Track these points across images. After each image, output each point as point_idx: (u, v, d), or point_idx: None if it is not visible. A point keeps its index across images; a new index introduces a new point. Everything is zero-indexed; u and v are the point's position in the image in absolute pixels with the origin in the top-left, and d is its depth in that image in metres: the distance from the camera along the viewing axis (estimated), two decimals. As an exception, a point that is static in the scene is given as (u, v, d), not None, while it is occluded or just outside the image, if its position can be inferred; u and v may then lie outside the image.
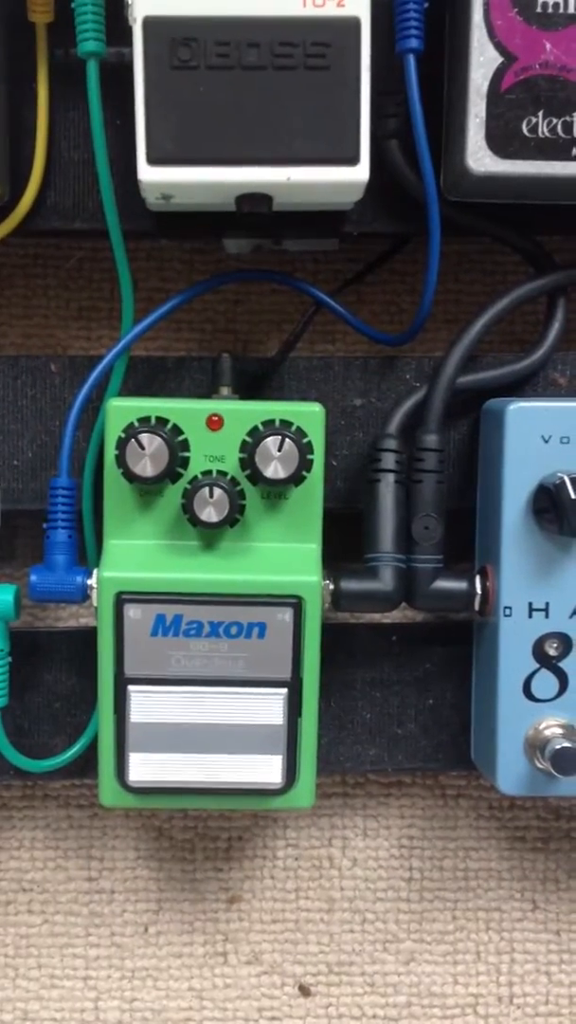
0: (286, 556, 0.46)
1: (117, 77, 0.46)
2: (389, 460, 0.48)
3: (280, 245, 0.51)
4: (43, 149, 0.49)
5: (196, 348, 0.55)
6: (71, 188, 0.50)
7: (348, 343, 0.55)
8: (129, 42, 0.43)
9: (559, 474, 0.45)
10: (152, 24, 0.42)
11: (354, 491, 0.51)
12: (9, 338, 0.55)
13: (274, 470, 0.44)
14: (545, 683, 0.48)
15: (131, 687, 0.45)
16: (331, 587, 0.47)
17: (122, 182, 0.47)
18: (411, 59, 0.45)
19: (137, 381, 0.51)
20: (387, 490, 0.48)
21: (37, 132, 0.48)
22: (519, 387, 0.51)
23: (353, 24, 0.42)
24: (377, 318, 0.55)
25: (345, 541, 0.51)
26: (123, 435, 0.44)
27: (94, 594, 0.46)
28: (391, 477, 0.48)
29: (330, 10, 0.42)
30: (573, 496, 0.44)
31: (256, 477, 0.45)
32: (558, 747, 0.47)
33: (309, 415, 0.46)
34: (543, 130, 0.45)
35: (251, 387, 0.52)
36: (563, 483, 0.44)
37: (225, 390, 0.49)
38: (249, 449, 0.45)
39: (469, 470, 0.52)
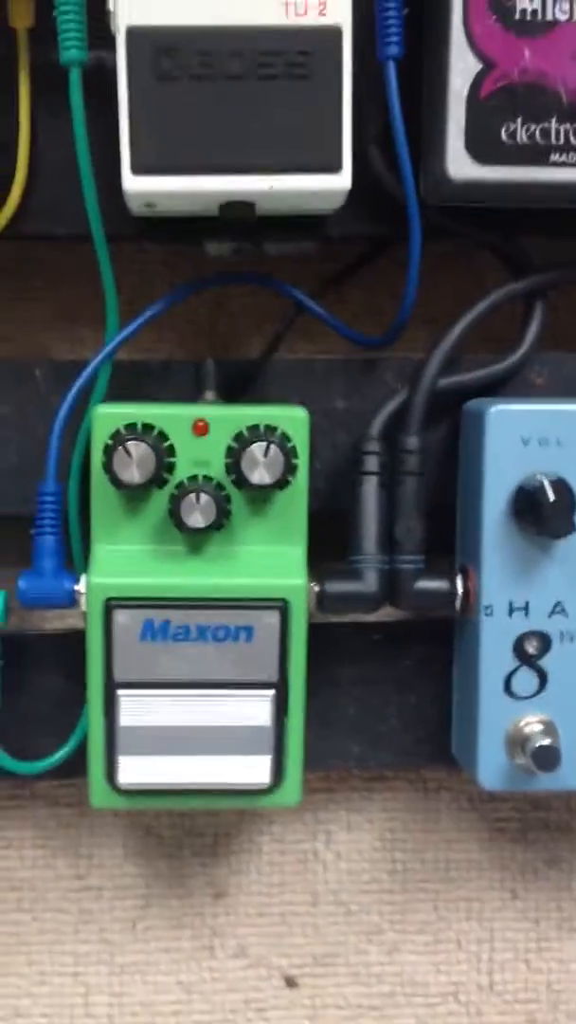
0: (272, 559, 0.47)
1: (99, 80, 0.46)
2: (371, 463, 0.49)
3: (261, 248, 0.51)
4: (26, 153, 0.49)
5: (178, 350, 0.56)
6: (55, 192, 0.50)
7: (330, 344, 0.56)
8: (111, 47, 0.44)
9: (538, 476, 0.46)
10: (135, 34, 0.42)
11: (338, 492, 0.52)
12: (-9, 340, 0.55)
13: (260, 476, 0.45)
14: (525, 680, 0.49)
15: (120, 691, 0.45)
16: (316, 589, 0.48)
17: (105, 186, 0.47)
18: (391, 66, 0.45)
19: (121, 385, 0.51)
20: (370, 492, 0.49)
21: (20, 137, 0.49)
22: (499, 388, 0.52)
23: (335, 33, 0.42)
24: (359, 319, 0.56)
25: (330, 541, 0.51)
26: (110, 442, 0.45)
27: (83, 599, 0.46)
28: (374, 479, 0.49)
29: (312, 19, 0.42)
30: (551, 498, 0.45)
31: (242, 482, 0.45)
32: (538, 744, 0.48)
33: (294, 420, 0.47)
34: (522, 136, 0.45)
35: (235, 390, 0.52)
36: (542, 486, 0.45)
37: (210, 394, 0.49)
38: (235, 454, 0.45)
39: (451, 468, 0.52)
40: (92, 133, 0.47)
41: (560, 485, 0.45)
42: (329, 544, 0.51)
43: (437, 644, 0.53)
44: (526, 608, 0.48)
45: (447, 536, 0.52)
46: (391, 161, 0.47)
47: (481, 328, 0.55)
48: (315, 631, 0.51)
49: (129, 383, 0.52)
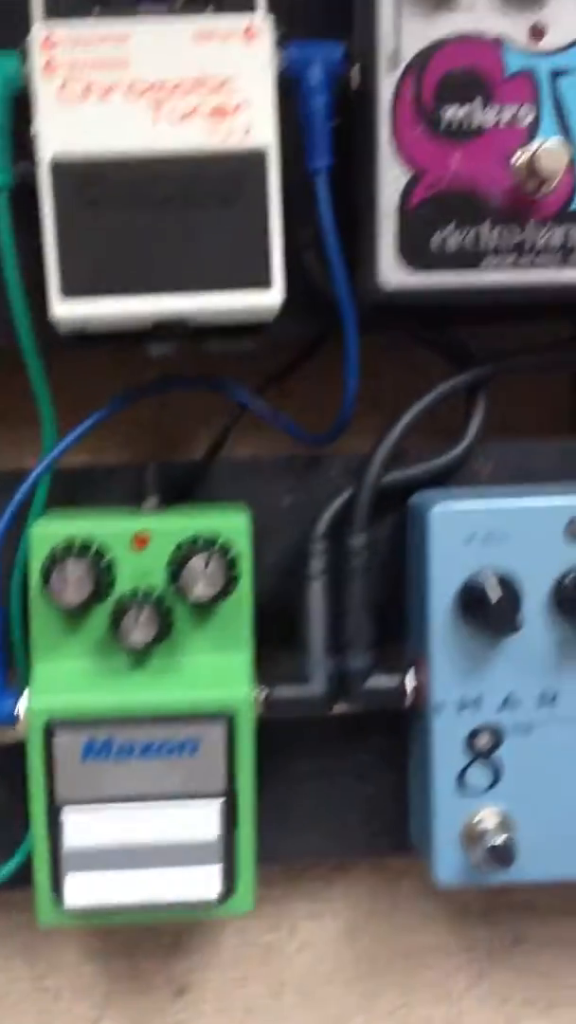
0: (217, 668, 0.46)
1: (27, 192, 0.46)
2: (317, 563, 0.49)
3: (201, 347, 0.51)
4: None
5: (123, 450, 0.55)
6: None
7: (276, 436, 0.55)
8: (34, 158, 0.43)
9: (483, 574, 0.46)
10: (60, 164, 0.42)
11: (287, 588, 0.52)
12: None
13: (201, 589, 0.44)
14: (479, 775, 0.49)
15: (64, 812, 0.45)
16: (264, 694, 0.47)
17: (39, 294, 0.47)
18: (321, 178, 0.45)
19: (63, 491, 0.51)
20: (317, 592, 0.49)
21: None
22: (444, 479, 0.52)
23: (259, 156, 0.42)
24: (304, 412, 0.55)
25: (280, 637, 0.51)
26: (47, 563, 0.44)
27: (22, 720, 0.46)
28: (320, 580, 0.48)
29: (236, 142, 0.42)
30: (495, 598, 0.45)
31: (183, 595, 0.45)
32: (492, 843, 0.48)
33: (234, 527, 0.46)
34: (454, 242, 0.45)
35: (179, 491, 0.52)
36: (485, 585, 0.45)
37: (152, 500, 0.49)
38: (175, 568, 0.45)
39: (401, 558, 0.52)
40: (24, 242, 0.46)
41: (504, 584, 0.45)
42: (279, 641, 0.51)
43: (394, 734, 0.53)
44: (477, 702, 0.48)
45: (398, 626, 0.52)
46: (327, 264, 0.47)
47: (425, 418, 0.55)
48: (269, 726, 0.50)
49: (70, 489, 0.52)
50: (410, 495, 0.51)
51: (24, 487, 0.48)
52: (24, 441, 0.54)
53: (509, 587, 0.46)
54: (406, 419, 0.50)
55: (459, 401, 0.55)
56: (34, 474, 0.48)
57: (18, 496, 0.48)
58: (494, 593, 0.44)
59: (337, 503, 0.50)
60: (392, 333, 0.52)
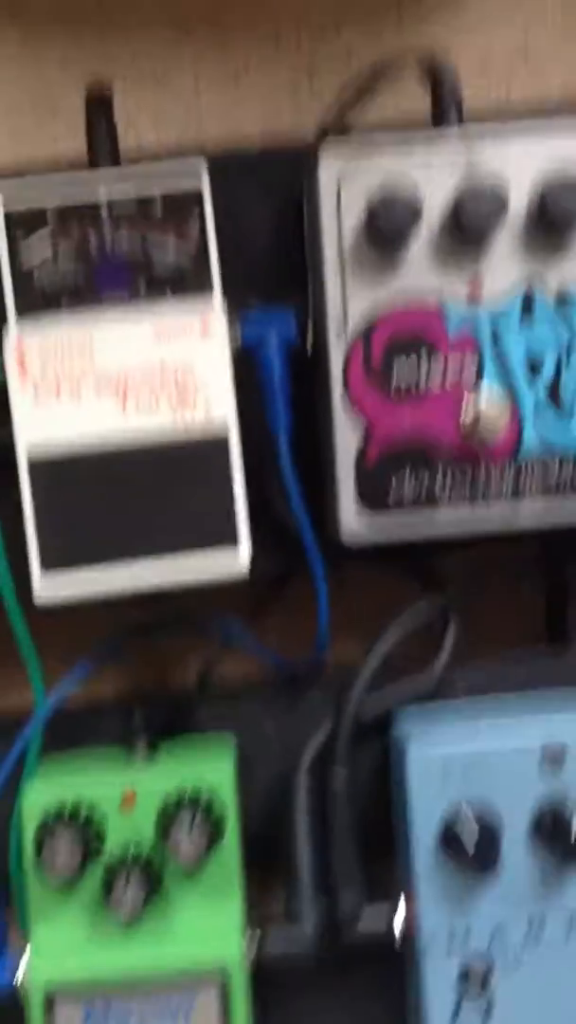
0: (208, 924, 0.47)
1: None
2: (302, 800, 0.50)
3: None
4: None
5: (111, 684, 0.57)
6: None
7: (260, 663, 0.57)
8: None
9: (461, 814, 0.47)
10: (36, 456, 0.45)
11: (272, 817, 0.52)
12: None
13: (187, 851, 0.46)
14: (471, 1013, 0.49)
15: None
16: (255, 942, 0.48)
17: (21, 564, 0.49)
18: (282, 440, 0.48)
19: (54, 732, 0.52)
20: (303, 828, 0.50)
21: None
22: (422, 699, 0.53)
23: (221, 433, 0.46)
24: (284, 637, 0.57)
25: (269, 865, 0.52)
26: (38, 833, 0.46)
27: (22, 985, 0.46)
28: (305, 818, 0.50)
29: (199, 424, 0.45)
30: (474, 838, 0.46)
31: (171, 858, 0.46)
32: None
33: (219, 777, 0.48)
34: (410, 487, 0.48)
35: (168, 723, 0.53)
36: (464, 825, 0.46)
37: (140, 748, 0.50)
38: (162, 830, 0.46)
39: (387, 778, 0.53)
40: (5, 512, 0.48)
41: (482, 823, 0.46)
42: (268, 869, 0.52)
43: (389, 966, 0.53)
44: (466, 936, 0.48)
45: (390, 845, 0.53)
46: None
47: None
48: (265, 964, 0.50)
49: (62, 730, 0.53)
50: (391, 716, 0.52)
51: (16, 749, 0.49)
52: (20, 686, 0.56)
53: (487, 826, 0.47)
54: (381, 649, 0.51)
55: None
56: (25, 734, 0.50)
57: (13, 754, 0.49)
58: (471, 836, 0.45)
59: (319, 736, 0.51)
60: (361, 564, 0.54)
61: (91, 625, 0.55)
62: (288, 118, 0.55)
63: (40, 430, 0.45)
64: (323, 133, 0.51)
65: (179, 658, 0.58)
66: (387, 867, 0.52)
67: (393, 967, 0.52)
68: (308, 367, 0.49)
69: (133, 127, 0.54)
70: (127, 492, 0.46)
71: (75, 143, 0.50)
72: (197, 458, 0.46)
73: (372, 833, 0.51)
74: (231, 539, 0.46)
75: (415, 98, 0.51)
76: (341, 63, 0.55)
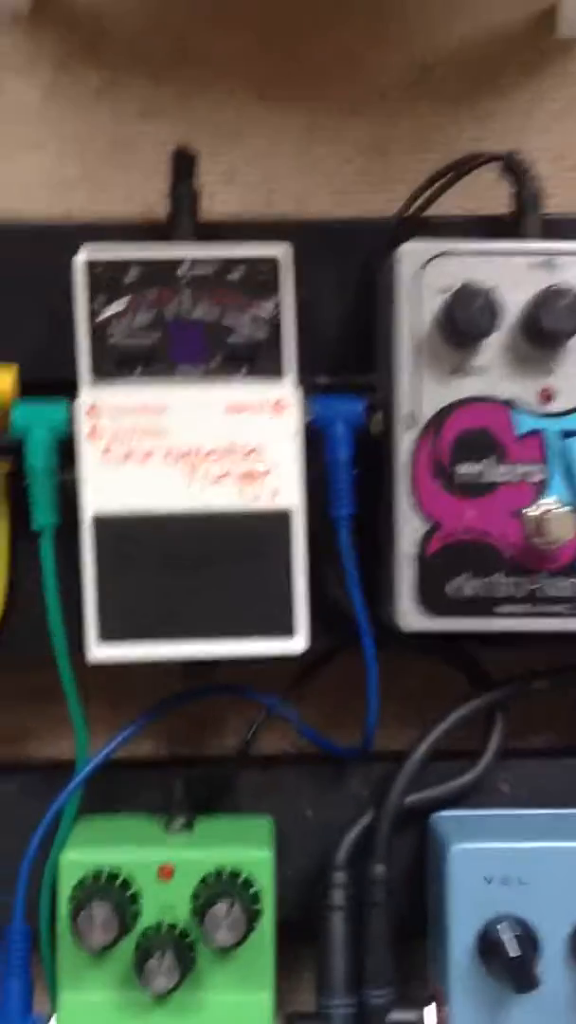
0: (238, 1011, 0.47)
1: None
2: (338, 896, 0.49)
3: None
4: (3, 586, 0.52)
5: (151, 742, 0.57)
6: (29, 619, 0.51)
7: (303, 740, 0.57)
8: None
9: (502, 927, 0.46)
10: (100, 521, 0.46)
11: (307, 900, 0.52)
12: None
13: (223, 936, 0.45)
14: None
15: None
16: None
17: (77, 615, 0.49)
18: (343, 524, 0.48)
19: (93, 789, 0.52)
20: (337, 927, 0.49)
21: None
22: (464, 798, 0.53)
23: (285, 515, 0.46)
24: (324, 711, 0.57)
25: (300, 954, 0.52)
26: (73, 901, 0.46)
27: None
28: (340, 914, 0.49)
29: (265, 503, 0.46)
30: (513, 955, 0.45)
31: (206, 940, 0.46)
32: None
33: (257, 863, 0.48)
34: (469, 589, 0.48)
35: (207, 797, 0.53)
36: (504, 940, 0.45)
37: (179, 820, 0.50)
38: (199, 909, 0.46)
39: (421, 875, 0.52)
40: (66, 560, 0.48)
41: (523, 938, 0.45)
42: (304, 959, 0.52)
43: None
44: (497, 1048, 0.48)
45: (423, 960, 0.52)
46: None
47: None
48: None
49: (98, 783, 0.53)
50: (430, 811, 0.52)
51: (55, 806, 0.49)
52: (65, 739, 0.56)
53: (527, 943, 0.46)
54: (424, 746, 0.51)
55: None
56: (66, 792, 0.50)
57: (46, 819, 0.49)
58: (511, 951, 0.45)
59: (356, 830, 0.51)
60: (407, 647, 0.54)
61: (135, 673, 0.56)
62: (357, 190, 0.56)
63: (107, 494, 0.46)
64: (402, 222, 0.52)
65: (218, 719, 0.58)
66: (414, 948, 0.52)
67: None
68: (371, 452, 0.50)
69: (206, 181, 0.53)
70: (187, 566, 0.46)
71: (148, 195, 0.52)
72: (260, 538, 0.46)
73: (403, 918, 0.51)
74: (288, 628, 0.46)
75: (490, 186, 0.52)
76: (417, 142, 0.56)
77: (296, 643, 0.46)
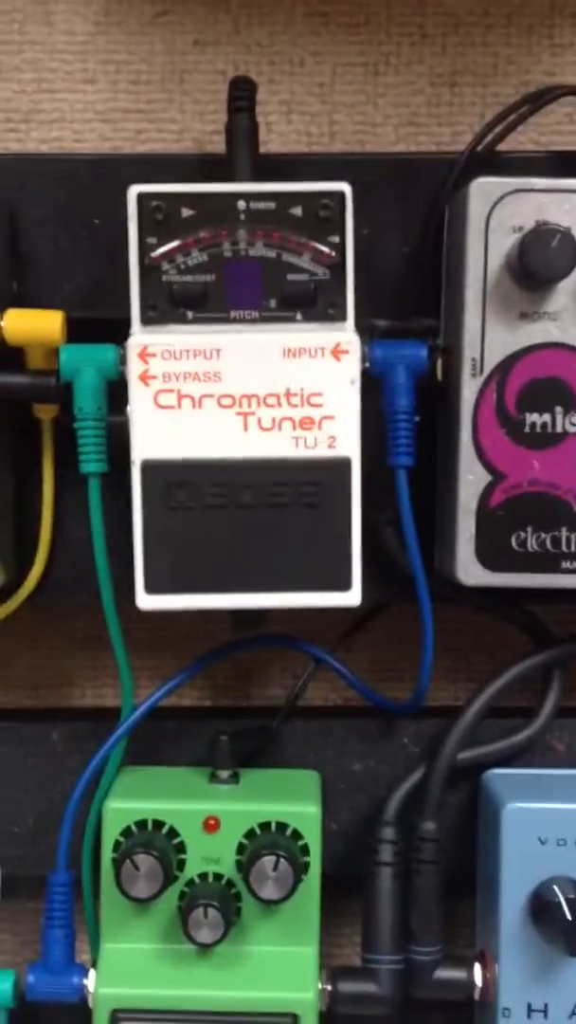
0: (282, 964, 0.46)
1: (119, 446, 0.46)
2: (387, 852, 0.48)
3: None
4: (48, 534, 0.51)
5: (198, 692, 0.56)
6: (74, 566, 0.51)
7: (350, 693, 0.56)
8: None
9: (557, 886, 0.45)
10: (149, 468, 0.44)
11: (353, 855, 0.51)
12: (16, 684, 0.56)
13: (269, 891, 0.44)
14: None
15: None
16: (328, 994, 0.47)
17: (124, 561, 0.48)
18: (402, 474, 0.46)
19: (137, 743, 0.52)
20: (384, 884, 0.48)
21: (42, 519, 0.50)
22: (518, 756, 0.52)
23: (344, 464, 0.44)
24: (378, 668, 0.56)
25: (346, 909, 0.51)
26: (118, 852, 0.45)
27: (90, 999, 0.46)
28: (389, 870, 0.48)
29: (322, 451, 0.44)
30: (568, 917, 0.44)
31: (252, 893, 0.45)
32: None
33: (305, 817, 0.47)
34: (532, 544, 0.46)
35: (252, 751, 0.52)
36: (559, 903, 0.44)
37: (223, 774, 0.49)
38: (245, 863, 0.45)
39: (470, 834, 0.51)
40: (109, 510, 0.47)
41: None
42: (345, 914, 0.51)
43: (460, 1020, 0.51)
44: (545, 1011, 0.47)
45: (468, 920, 0.51)
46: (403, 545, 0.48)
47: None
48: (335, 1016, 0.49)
49: (145, 740, 0.52)
50: (481, 771, 0.51)
51: (97, 758, 0.49)
52: (107, 687, 0.56)
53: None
54: (479, 702, 0.50)
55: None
56: (109, 743, 0.49)
57: (91, 767, 0.48)
58: (567, 913, 0.44)
59: (407, 785, 0.50)
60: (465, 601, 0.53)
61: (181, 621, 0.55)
62: (425, 123, 0.53)
63: (158, 440, 0.44)
64: (472, 157, 0.50)
65: (263, 670, 0.57)
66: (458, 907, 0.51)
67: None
68: (433, 401, 0.48)
69: (263, 113, 0.51)
70: (239, 516, 0.44)
71: (204, 128, 0.50)
72: (316, 486, 0.44)
73: (450, 876, 0.50)
74: (345, 581, 0.44)
75: (566, 121, 0.49)
76: (489, 73, 0.53)
77: (352, 596, 0.44)
